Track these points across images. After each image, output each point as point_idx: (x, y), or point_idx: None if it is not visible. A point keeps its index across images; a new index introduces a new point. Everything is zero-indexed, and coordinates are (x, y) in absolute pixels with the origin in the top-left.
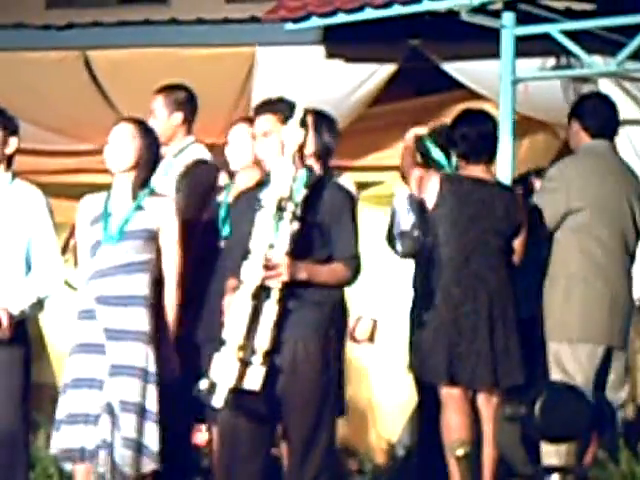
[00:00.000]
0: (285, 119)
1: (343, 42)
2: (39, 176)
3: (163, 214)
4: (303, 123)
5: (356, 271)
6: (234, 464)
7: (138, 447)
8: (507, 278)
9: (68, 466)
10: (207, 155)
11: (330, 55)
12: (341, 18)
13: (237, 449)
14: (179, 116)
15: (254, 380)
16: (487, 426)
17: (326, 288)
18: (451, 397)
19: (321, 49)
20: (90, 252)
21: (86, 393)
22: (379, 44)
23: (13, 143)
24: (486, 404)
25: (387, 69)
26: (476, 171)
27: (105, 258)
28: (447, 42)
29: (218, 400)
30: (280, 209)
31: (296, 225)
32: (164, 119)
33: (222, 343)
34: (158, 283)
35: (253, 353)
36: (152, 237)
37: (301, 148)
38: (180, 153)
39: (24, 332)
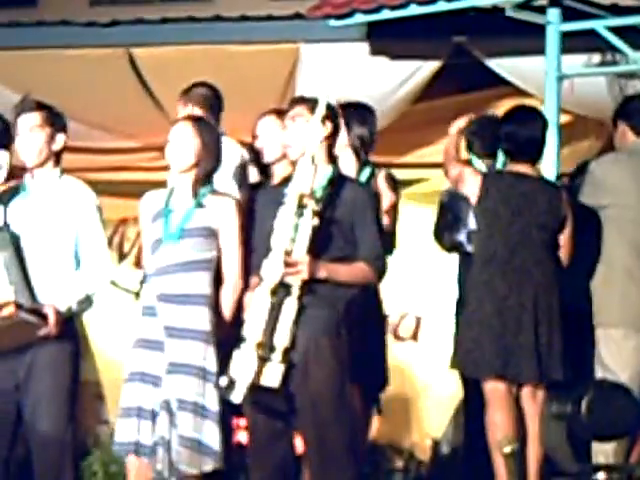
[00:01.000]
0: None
1: (387, 39)
2: (83, 174)
3: (224, 213)
4: (332, 119)
5: (380, 271)
6: (252, 457)
7: (196, 445)
8: (553, 273)
9: (130, 459)
10: (237, 149)
11: (374, 52)
12: (385, 14)
13: (255, 443)
14: (197, 111)
15: (273, 377)
16: (532, 423)
17: (340, 286)
18: (495, 393)
19: (365, 46)
20: (151, 249)
21: (141, 388)
22: (423, 41)
23: (60, 140)
24: (531, 400)
25: (431, 66)
26: (520, 168)
27: (166, 255)
28: (492, 38)
29: (237, 396)
30: (301, 206)
31: (316, 222)
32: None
33: (242, 340)
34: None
35: (272, 350)
36: (213, 235)
37: (329, 145)
38: None
39: (73, 329)
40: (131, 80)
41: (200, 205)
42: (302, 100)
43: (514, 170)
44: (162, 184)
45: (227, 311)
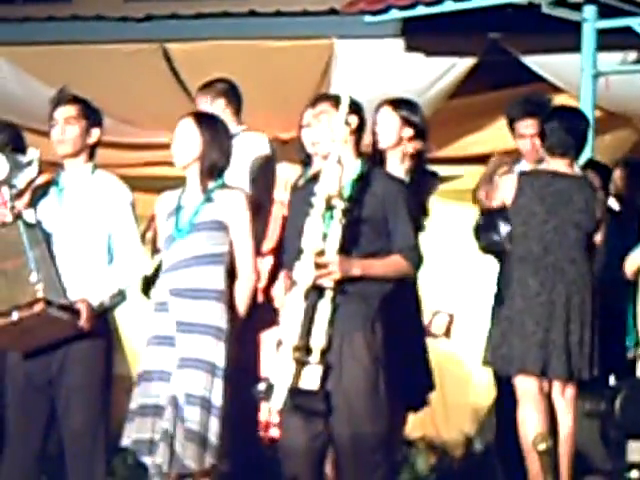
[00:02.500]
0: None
1: (422, 35)
2: (116, 169)
3: (233, 206)
4: (356, 114)
5: (416, 262)
6: (287, 459)
7: (201, 441)
8: (586, 272)
9: (146, 459)
10: (264, 143)
11: (409, 48)
12: (421, 10)
13: (290, 447)
14: (221, 102)
15: (312, 379)
16: (563, 419)
17: (373, 281)
18: (526, 390)
19: (400, 42)
20: (165, 245)
21: (156, 385)
22: (459, 37)
23: (95, 134)
24: (560, 396)
25: (466, 62)
26: (559, 165)
27: (177, 251)
28: (527, 35)
29: (277, 401)
30: (330, 207)
31: (346, 221)
32: (207, 107)
33: (278, 344)
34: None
35: (309, 353)
36: (223, 229)
37: (356, 140)
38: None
39: (105, 323)
40: (165, 75)
41: (209, 200)
42: (326, 97)
43: (551, 168)
44: None
45: (241, 305)
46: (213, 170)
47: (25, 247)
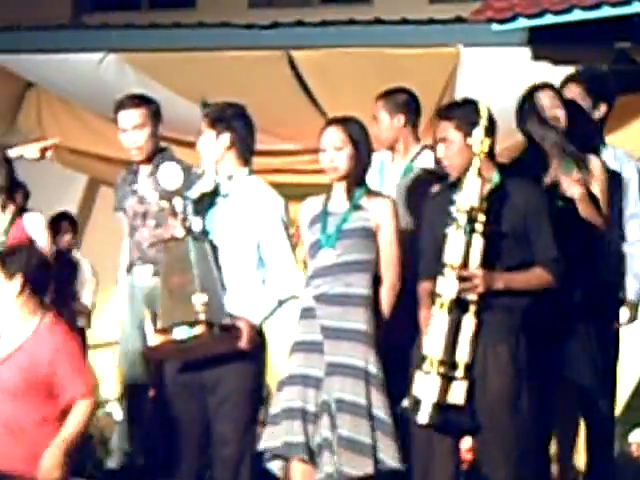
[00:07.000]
0: (464, 126)
1: (549, 44)
2: None
3: (381, 213)
4: (489, 130)
5: (558, 274)
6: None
7: (357, 447)
8: None
9: (275, 464)
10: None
11: (536, 57)
12: (549, 19)
13: (431, 461)
14: (401, 118)
15: (457, 394)
16: None
17: (517, 294)
18: None
19: (527, 50)
20: (310, 252)
21: (301, 390)
22: (586, 46)
23: (223, 140)
24: None
25: None
26: None
27: (324, 257)
28: None
29: (423, 417)
30: (471, 220)
31: (488, 233)
32: (386, 123)
33: (423, 359)
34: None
35: (455, 367)
36: (371, 236)
37: (491, 151)
38: (414, 161)
39: (261, 335)
40: (290, 82)
41: (357, 207)
42: (446, 115)
43: None
44: (322, 186)
45: (386, 311)
46: (362, 176)
47: (192, 265)
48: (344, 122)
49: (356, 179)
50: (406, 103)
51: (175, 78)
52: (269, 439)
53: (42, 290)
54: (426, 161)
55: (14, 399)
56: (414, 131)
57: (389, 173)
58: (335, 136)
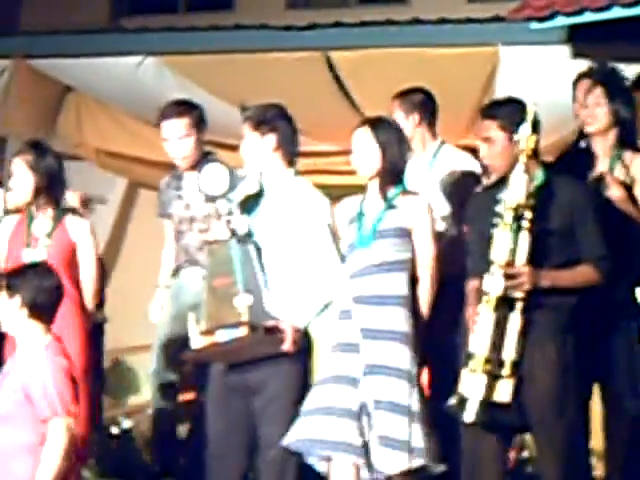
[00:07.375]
0: (507, 125)
1: (589, 41)
2: None
3: (416, 212)
4: (535, 127)
5: (605, 272)
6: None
7: (396, 445)
8: None
9: (312, 460)
10: (466, 158)
11: (575, 55)
12: (588, 17)
13: (479, 461)
14: (416, 117)
15: (504, 392)
16: None
17: (564, 291)
18: None
19: (566, 49)
20: (347, 253)
21: (337, 388)
22: (626, 44)
23: (269, 141)
24: None
25: (634, 69)
26: None
27: (360, 258)
28: None
29: (469, 415)
30: (518, 217)
31: (534, 230)
32: (402, 122)
33: (469, 357)
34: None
35: (501, 365)
36: (406, 235)
37: (535, 149)
38: (435, 156)
39: (305, 335)
40: (329, 83)
41: (391, 206)
42: (490, 114)
43: None
44: (360, 187)
45: (424, 311)
46: (396, 175)
47: (235, 267)
48: (372, 123)
49: (390, 179)
50: (422, 102)
51: (213, 80)
52: (297, 435)
53: (44, 313)
54: (446, 156)
55: (4, 424)
56: (430, 129)
57: (409, 170)
58: (361, 137)
